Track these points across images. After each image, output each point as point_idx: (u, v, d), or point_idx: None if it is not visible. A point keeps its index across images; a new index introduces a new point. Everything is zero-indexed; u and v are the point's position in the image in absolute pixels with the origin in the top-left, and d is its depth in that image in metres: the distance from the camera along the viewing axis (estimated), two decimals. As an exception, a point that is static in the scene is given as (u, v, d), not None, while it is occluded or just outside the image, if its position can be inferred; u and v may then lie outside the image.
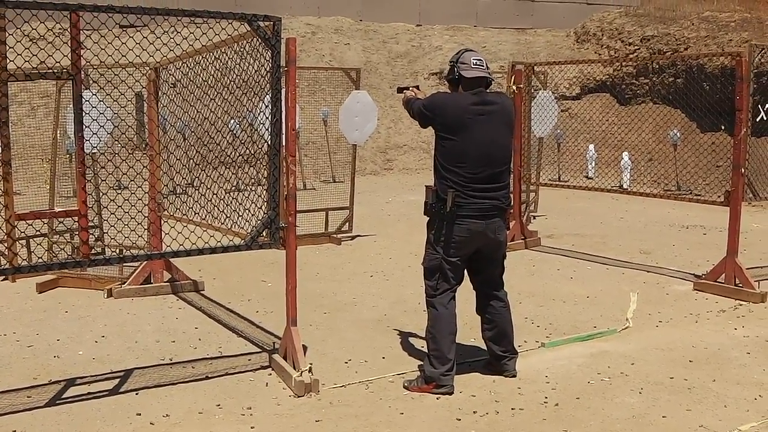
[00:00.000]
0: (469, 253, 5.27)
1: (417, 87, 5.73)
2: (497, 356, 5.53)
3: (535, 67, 10.80)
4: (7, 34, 4.48)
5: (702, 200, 9.27)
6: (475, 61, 5.24)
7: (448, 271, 5.24)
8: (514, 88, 9.91)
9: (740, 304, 7.43)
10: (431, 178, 5.33)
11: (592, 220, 12.54)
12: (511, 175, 5.48)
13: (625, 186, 15.55)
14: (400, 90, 5.80)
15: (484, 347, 5.64)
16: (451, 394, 5.17)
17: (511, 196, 5.38)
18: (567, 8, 23.57)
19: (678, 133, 15.49)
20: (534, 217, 12.38)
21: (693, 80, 15.74)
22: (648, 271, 8.84)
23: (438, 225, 5.22)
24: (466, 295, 5.52)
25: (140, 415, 4.86)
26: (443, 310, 5.27)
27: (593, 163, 16.71)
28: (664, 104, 17.25)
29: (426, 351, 5.39)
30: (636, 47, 19.14)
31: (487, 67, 5.33)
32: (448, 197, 5.09)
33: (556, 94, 14.14)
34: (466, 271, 5.41)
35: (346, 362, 5.86)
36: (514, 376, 5.48)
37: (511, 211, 9.48)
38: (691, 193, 14.38)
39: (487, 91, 5.32)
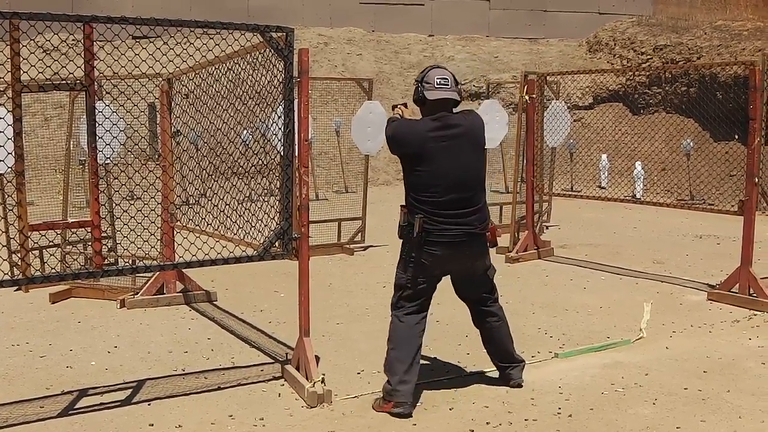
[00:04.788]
0: (437, 276, 5.17)
1: (405, 105, 5.41)
2: (499, 367, 5.53)
3: (548, 77, 10.79)
4: (21, 46, 4.50)
5: (715, 210, 9.24)
6: (439, 81, 4.97)
7: (411, 292, 5.14)
8: (527, 98, 9.91)
9: (754, 314, 7.38)
10: None
11: (605, 230, 12.51)
12: (486, 195, 5.25)
13: (638, 196, 15.51)
14: (395, 107, 5.48)
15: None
16: (407, 415, 4.98)
17: (489, 217, 5.19)
18: (579, 18, 23.56)
19: (691, 143, 15.46)
20: (547, 227, 12.35)
21: (706, 89, 15.69)
22: (661, 281, 8.80)
23: (408, 248, 5.11)
24: (464, 305, 5.50)
25: (153, 425, 4.87)
26: (398, 323, 5.18)
27: (606, 173, 16.67)
28: (677, 114, 17.21)
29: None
30: (648, 56, 19.10)
31: (456, 84, 5.08)
32: (415, 223, 4.95)
33: (568, 103, 14.12)
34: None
35: (359, 373, 5.86)
36: (520, 385, 5.44)
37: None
38: (704, 202, 14.34)
39: (454, 111, 5.08)
